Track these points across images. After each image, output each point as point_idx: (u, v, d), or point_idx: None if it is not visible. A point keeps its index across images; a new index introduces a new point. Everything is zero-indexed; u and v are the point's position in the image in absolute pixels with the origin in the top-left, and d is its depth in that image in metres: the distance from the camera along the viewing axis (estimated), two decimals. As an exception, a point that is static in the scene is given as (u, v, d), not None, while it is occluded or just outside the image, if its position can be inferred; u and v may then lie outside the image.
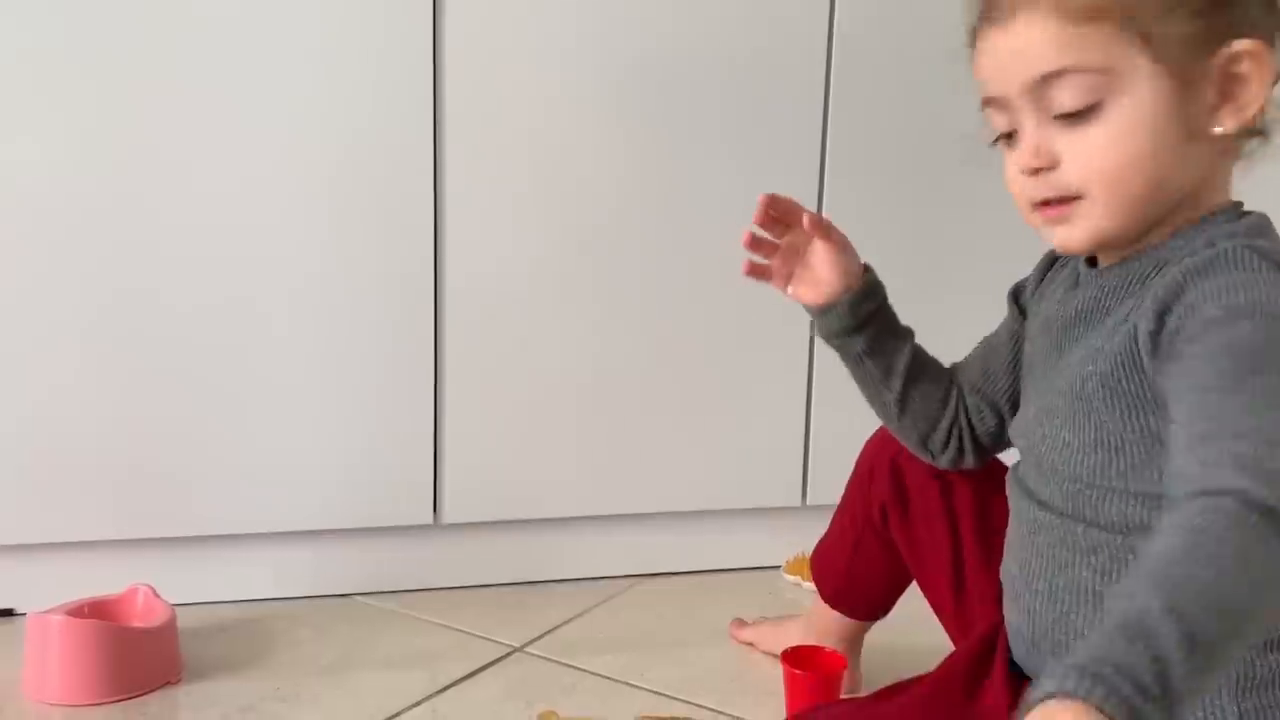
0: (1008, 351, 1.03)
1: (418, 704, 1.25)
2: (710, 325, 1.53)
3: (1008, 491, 0.95)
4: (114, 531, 1.41)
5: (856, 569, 1.21)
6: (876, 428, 1.14)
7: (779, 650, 1.27)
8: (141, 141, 1.34)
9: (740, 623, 1.40)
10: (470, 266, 1.45)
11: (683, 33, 1.46)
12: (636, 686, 1.29)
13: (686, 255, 1.51)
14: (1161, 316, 0.77)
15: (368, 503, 1.47)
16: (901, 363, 1.05)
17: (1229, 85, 0.78)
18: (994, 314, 1.06)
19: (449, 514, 1.50)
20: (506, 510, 1.53)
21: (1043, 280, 0.98)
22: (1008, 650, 0.94)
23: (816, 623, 1.28)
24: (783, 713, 1.16)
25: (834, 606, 1.25)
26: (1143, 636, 0.57)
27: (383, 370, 1.45)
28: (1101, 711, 0.54)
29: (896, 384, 1.05)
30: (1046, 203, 0.83)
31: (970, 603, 1.06)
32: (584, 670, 1.33)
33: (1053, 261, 0.98)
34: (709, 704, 1.25)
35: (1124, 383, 0.80)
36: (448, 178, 1.42)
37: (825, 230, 1.06)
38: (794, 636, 1.27)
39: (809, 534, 1.57)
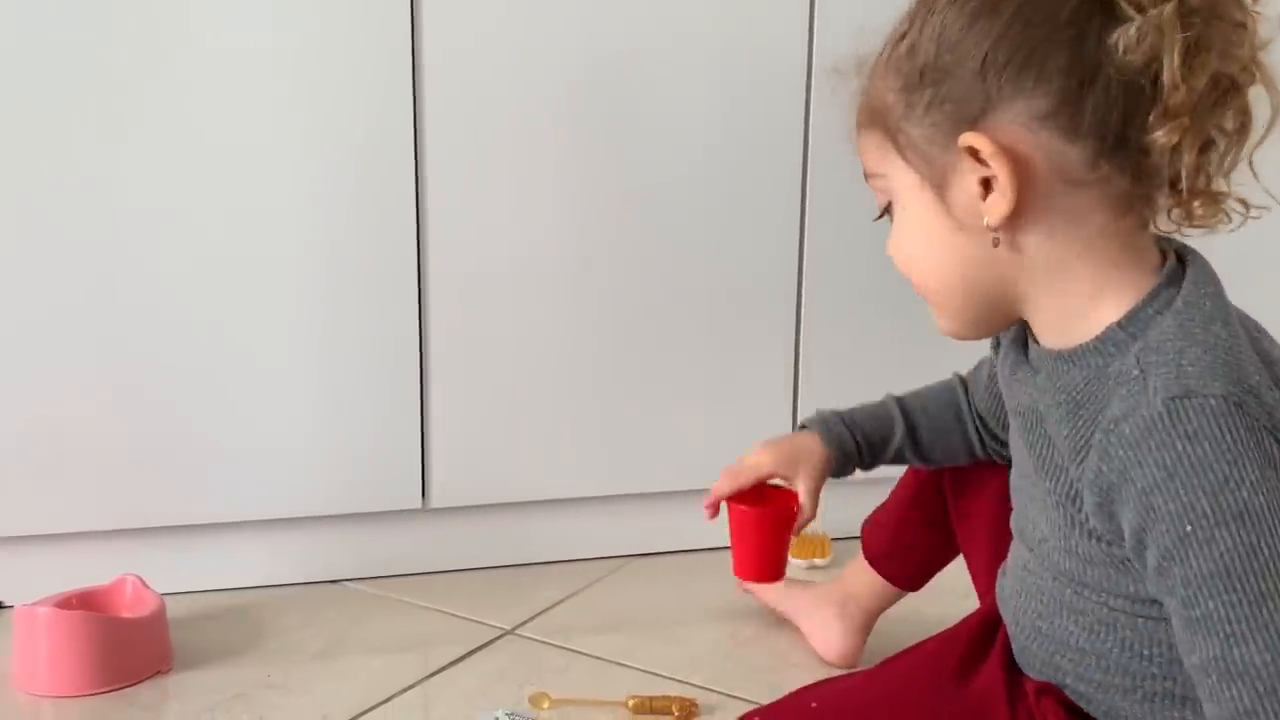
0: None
1: (409, 688, 1.25)
2: (696, 305, 1.53)
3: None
4: (101, 522, 1.40)
5: (904, 535, 1.21)
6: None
7: (779, 605, 1.32)
8: (127, 137, 1.33)
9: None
10: (454, 251, 1.44)
11: (665, 23, 1.44)
12: (628, 666, 1.29)
13: (672, 236, 1.50)
14: (1105, 497, 0.75)
15: (356, 488, 1.47)
16: (908, 452, 1.13)
17: (986, 177, 0.76)
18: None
19: (437, 498, 1.49)
20: (495, 493, 1.53)
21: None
22: (1005, 638, 0.93)
23: (849, 582, 1.28)
24: (774, 692, 1.15)
25: (874, 568, 1.25)
26: None
27: (369, 356, 1.44)
28: None
29: (916, 460, 1.14)
30: None
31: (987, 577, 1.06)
32: (575, 651, 1.33)
33: None
34: (701, 683, 1.25)
35: (1079, 520, 0.79)
36: (429, 162, 1.41)
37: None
38: (802, 600, 1.32)
39: (798, 511, 1.59)
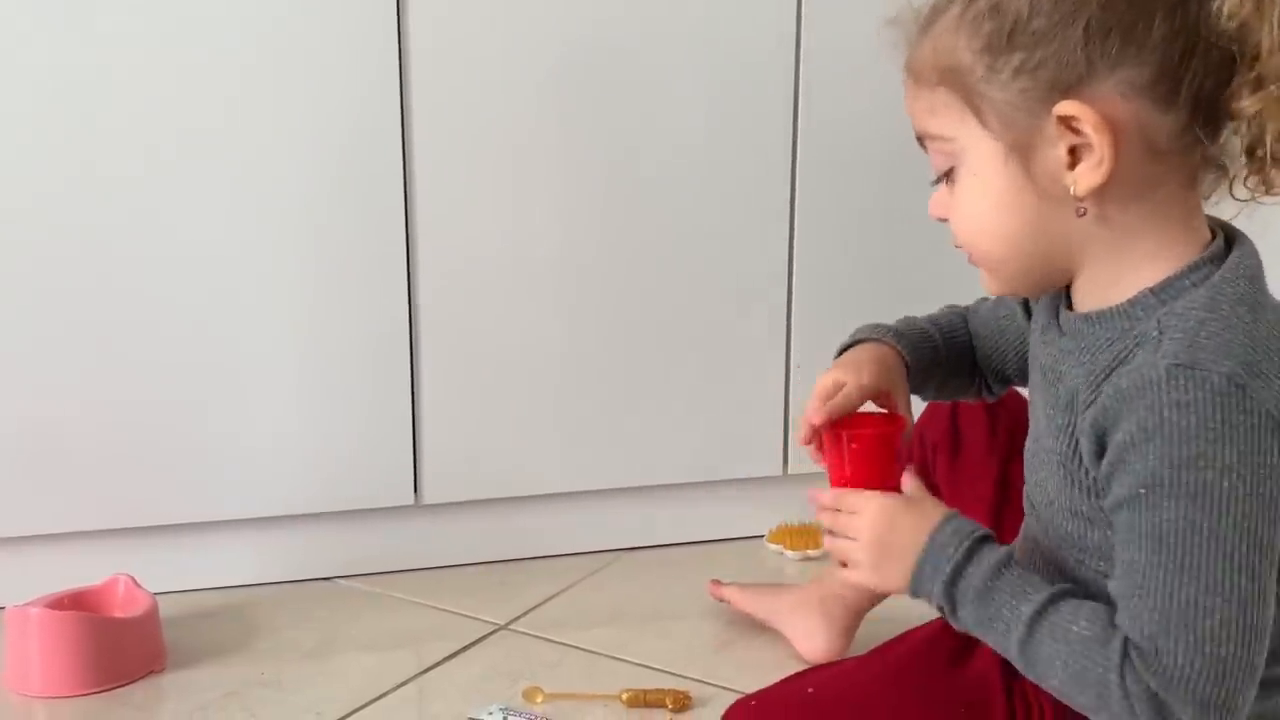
0: (1014, 339, 1.00)
1: (403, 684, 1.25)
2: (687, 298, 1.53)
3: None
4: (93, 522, 1.40)
5: None
6: None
7: (759, 612, 1.27)
8: (117, 136, 1.32)
9: (718, 582, 1.38)
10: (443, 246, 1.44)
11: (654, 14, 1.44)
12: (621, 660, 1.29)
13: (662, 229, 1.50)
14: (1100, 444, 0.77)
15: (348, 485, 1.47)
16: (936, 379, 1.03)
17: (1079, 144, 0.74)
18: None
19: (429, 494, 1.49)
20: (487, 489, 1.52)
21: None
22: None
23: (830, 582, 1.24)
24: (764, 682, 1.15)
25: None
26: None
27: (359, 353, 1.44)
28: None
29: (942, 389, 1.06)
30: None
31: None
32: (569, 646, 1.33)
33: None
34: (694, 675, 1.25)
35: (1078, 476, 0.81)
36: (417, 157, 1.41)
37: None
38: (782, 603, 1.27)
39: (791, 503, 1.59)
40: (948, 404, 1.11)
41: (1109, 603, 0.77)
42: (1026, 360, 0.96)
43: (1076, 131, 0.74)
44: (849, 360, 0.98)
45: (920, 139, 0.82)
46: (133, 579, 1.31)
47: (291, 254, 1.40)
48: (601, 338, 1.51)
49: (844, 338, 1.11)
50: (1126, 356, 0.76)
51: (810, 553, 1.55)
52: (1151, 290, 0.77)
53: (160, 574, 1.36)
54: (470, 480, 1.51)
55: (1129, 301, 0.78)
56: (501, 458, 1.51)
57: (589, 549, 1.58)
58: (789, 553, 1.56)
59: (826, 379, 0.96)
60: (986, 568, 0.78)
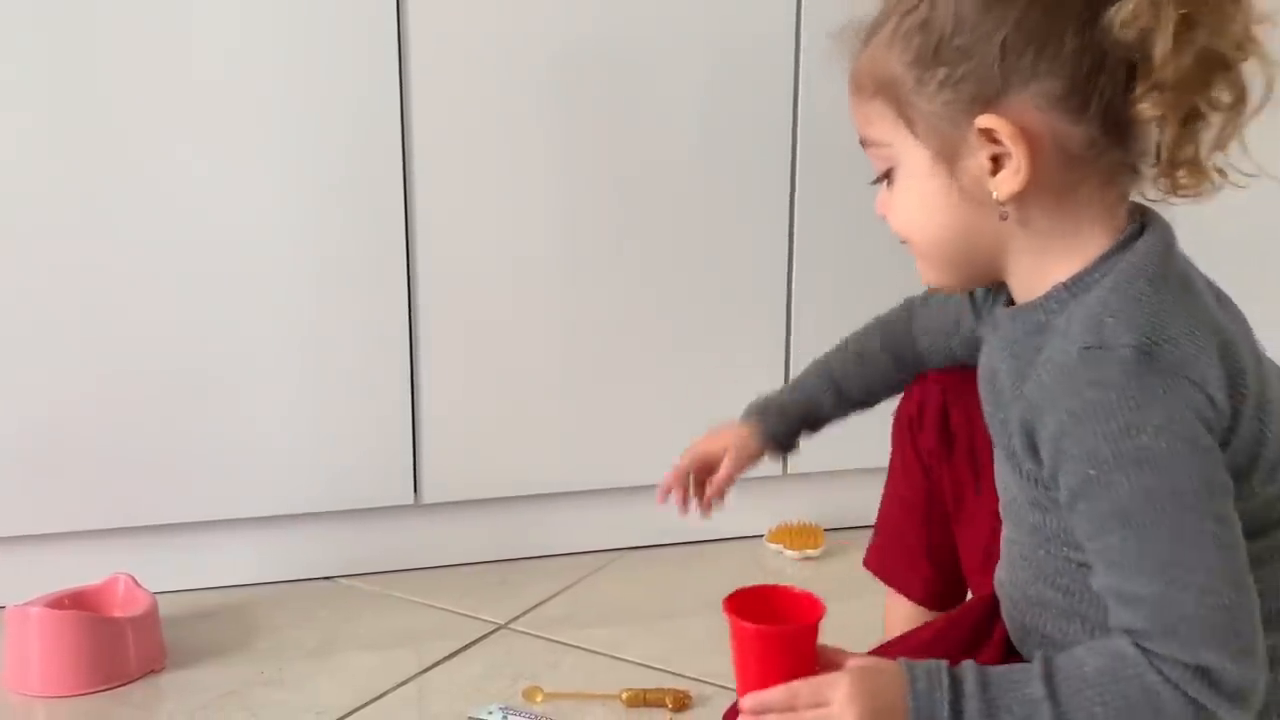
0: (956, 325, 1.03)
1: (404, 683, 1.25)
2: (686, 298, 1.53)
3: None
4: (93, 521, 1.40)
5: (940, 555, 1.11)
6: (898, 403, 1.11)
7: None
8: (118, 138, 1.33)
9: None
10: (443, 245, 1.44)
11: (654, 9, 1.44)
12: (621, 659, 1.29)
13: (662, 228, 1.50)
14: (1030, 439, 0.79)
15: (348, 485, 1.47)
16: (840, 413, 1.13)
17: (1000, 153, 0.77)
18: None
19: (430, 494, 1.49)
20: (487, 488, 1.53)
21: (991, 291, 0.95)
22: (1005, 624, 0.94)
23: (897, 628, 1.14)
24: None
25: (936, 606, 1.12)
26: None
27: (359, 353, 1.44)
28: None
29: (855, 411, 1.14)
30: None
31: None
32: (568, 645, 1.33)
33: None
34: (694, 675, 1.25)
35: (1025, 468, 0.82)
36: (417, 158, 1.41)
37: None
38: None
39: (790, 503, 1.59)
40: (938, 409, 1.09)
41: (1080, 587, 0.80)
42: (971, 344, 0.99)
43: (996, 142, 0.77)
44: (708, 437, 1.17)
45: (862, 143, 0.86)
46: (133, 579, 1.31)
47: (292, 254, 1.40)
48: (601, 337, 1.51)
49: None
50: (1043, 350, 0.80)
51: (810, 552, 1.55)
52: (1064, 285, 0.80)
53: (160, 574, 1.36)
54: (470, 480, 1.51)
55: (1044, 297, 0.81)
56: (501, 457, 1.51)
57: (589, 548, 1.58)
58: (789, 552, 1.56)
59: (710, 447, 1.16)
60: (974, 687, 0.76)
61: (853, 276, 1.53)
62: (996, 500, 1.03)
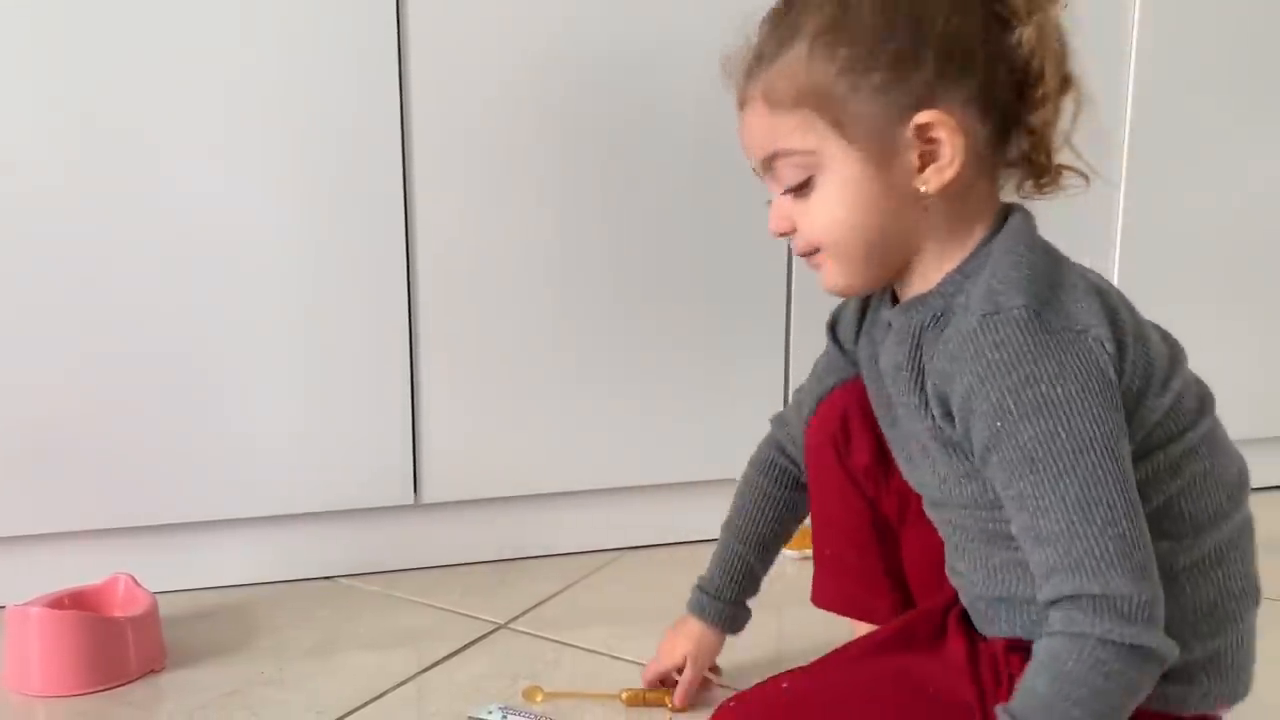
0: (830, 388, 1.09)
1: (403, 683, 1.25)
2: (687, 297, 1.53)
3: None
4: (93, 521, 1.40)
5: (898, 573, 1.12)
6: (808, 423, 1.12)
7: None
8: (111, 130, 1.33)
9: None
10: (443, 245, 1.44)
11: (655, 17, 1.45)
12: (621, 659, 1.29)
13: (662, 229, 1.50)
14: (945, 406, 0.87)
15: (348, 485, 1.47)
16: (773, 557, 1.21)
17: (927, 150, 0.85)
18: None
19: (429, 493, 1.50)
20: (487, 488, 1.53)
21: (863, 316, 1.02)
22: (962, 612, 0.97)
23: None
24: (766, 676, 1.15)
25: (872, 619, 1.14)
26: None
27: (359, 352, 1.44)
28: None
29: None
30: (803, 253, 0.93)
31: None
32: (568, 645, 1.33)
33: (868, 297, 1.02)
34: (694, 674, 1.25)
35: (952, 441, 0.89)
36: (416, 158, 1.41)
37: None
38: None
39: (790, 502, 1.59)
40: (855, 432, 1.09)
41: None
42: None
43: (928, 139, 0.85)
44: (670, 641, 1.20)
45: (767, 160, 0.91)
46: (133, 578, 1.31)
47: (292, 254, 1.40)
48: (601, 338, 1.51)
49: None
50: (946, 326, 0.87)
51: (810, 552, 1.55)
52: (956, 270, 0.89)
53: (160, 574, 1.36)
54: (470, 480, 1.51)
55: (939, 285, 0.90)
56: (501, 458, 1.51)
57: (588, 548, 1.58)
58: (789, 552, 1.56)
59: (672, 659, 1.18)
60: None
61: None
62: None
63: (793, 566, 1.54)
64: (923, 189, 0.86)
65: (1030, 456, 0.80)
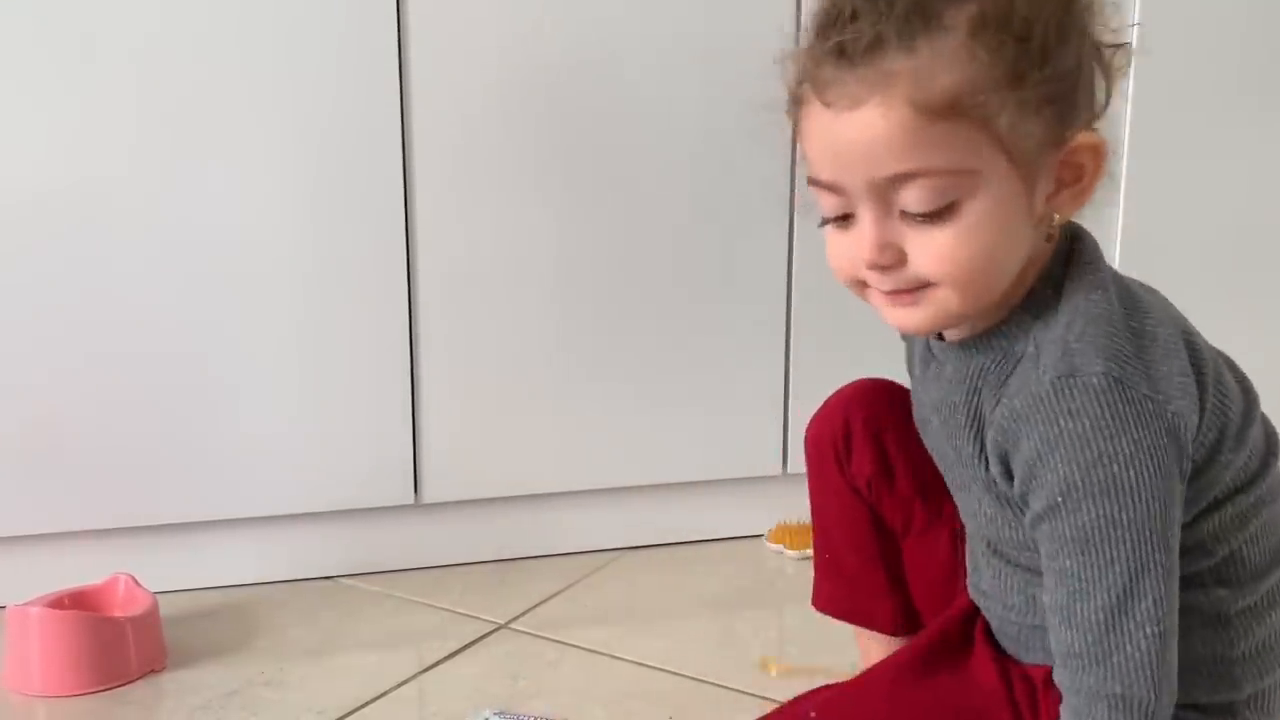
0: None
1: (404, 683, 1.25)
2: (686, 297, 1.53)
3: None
4: (93, 521, 1.40)
5: (902, 581, 1.07)
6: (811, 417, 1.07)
7: None
8: (117, 138, 1.32)
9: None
10: (443, 246, 1.44)
11: (655, 17, 1.44)
12: (621, 659, 1.29)
13: (661, 227, 1.50)
14: (1005, 464, 0.80)
15: (348, 485, 1.47)
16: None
17: (1067, 173, 0.77)
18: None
19: (430, 493, 1.49)
20: (487, 488, 1.53)
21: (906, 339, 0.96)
22: (985, 625, 0.94)
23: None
24: (766, 683, 1.15)
25: (907, 632, 1.08)
26: None
27: (359, 352, 1.44)
28: None
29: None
30: (891, 292, 0.80)
31: (963, 568, 1.01)
32: (569, 644, 1.33)
33: None
34: (694, 674, 1.25)
35: (1005, 495, 0.83)
36: (417, 157, 1.41)
37: None
38: None
39: (791, 502, 1.59)
40: (869, 437, 1.03)
41: None
42: None
43: (1074, 162, 0.77)
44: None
45: (894, 179, 0.75)
46: (133, 578, 1.31)
47: (292, 254, 1.40)
48: (601, 338, 1.51)
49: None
50: (1010, 377, 0.80)
51: (809, 552, 1.55)
52: (1024, 308, 0.80)
53: (160, 574, 1.36)
54: (470, 480, 1.51)
55: (1006, 323, 0.81)
56: (501, 457, 1.51)
57: (589, 548, 1.58)
58: (789, 552, 1.56)
59: None
60: None
61: (853, 276, 1.53)
62: (951, 526, 1.01)
63: (792, 566, 1.54)
64: (1056, 216, 0.78)
65: (1085, 537, 0.75)
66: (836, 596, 1.10)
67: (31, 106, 1.30)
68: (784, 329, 1.56)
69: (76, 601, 1.27)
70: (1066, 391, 0.75)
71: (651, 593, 1.47)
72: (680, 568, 1.54)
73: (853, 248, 0.80)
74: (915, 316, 0.80)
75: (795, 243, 1.53)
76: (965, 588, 0.99)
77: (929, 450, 0.94)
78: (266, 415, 1.42)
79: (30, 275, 1.34)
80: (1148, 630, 0.75)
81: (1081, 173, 0.77)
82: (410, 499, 1.49)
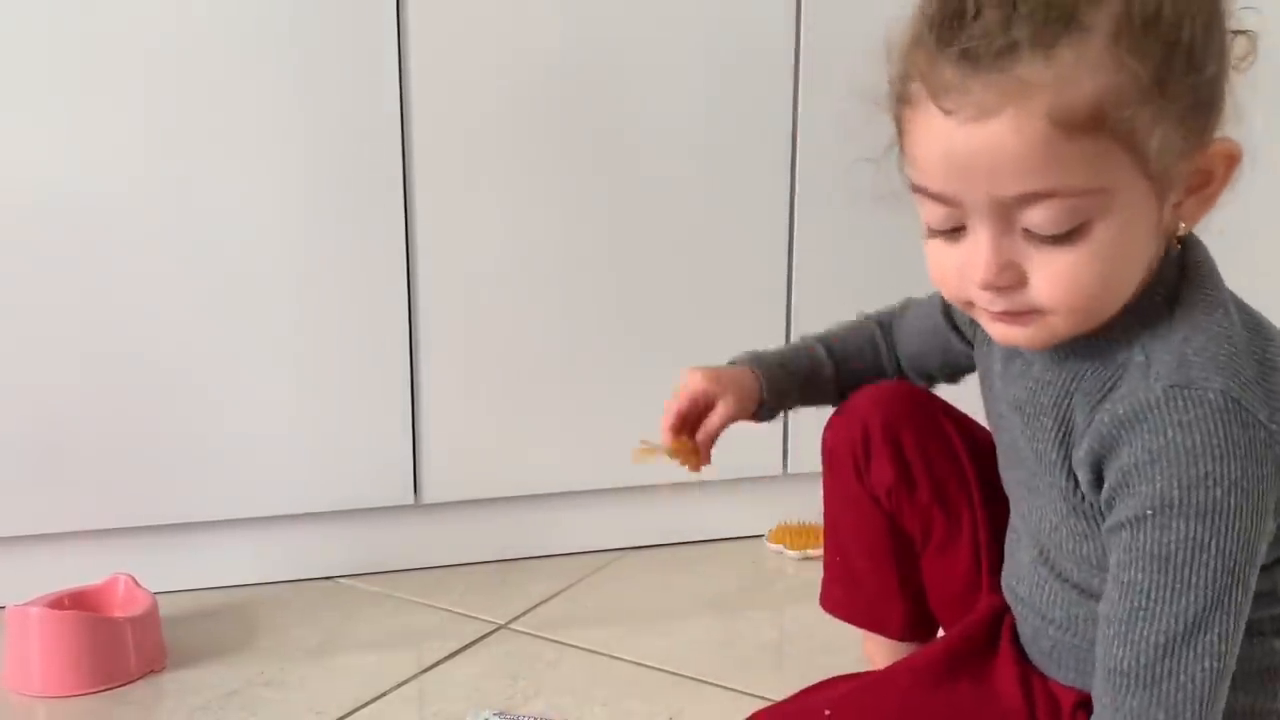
0: (939, 348, 1.00)
1: (404, 683, 1.25)
2: (686, 298, 1.53)
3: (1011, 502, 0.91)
4: (93, 521, 1.40)
5: (913, 587, 1.05)
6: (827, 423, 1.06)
7: None
8: (112, 133, 1.32)
9: None
10: (443, 246, 1.44)
11: (653, 14, 1.44)
12: (621, 659, 1.29)
13: (661, 230, 1.50)
14: (1097, 471, 0.76)
15: (348, 485, 1.47)
16: (834, 389, 1.05)
17: (1197, 180, 0.72)
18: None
19: (429, 493, 1.49)
20: (487, 488, 1.53)
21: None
22: (1013, 630, 0.91)
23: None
24: (767, 684, 1.15)
25: (915, 639, 1.07)
26: None
27: (359, 352, 1.44)
28: None
29: (838, 398, 1.05)
30: (1002, 312, 0.75)
31: (984, 576, 1.00)
32: (568, 645, 1.33)
33: None
34: (694, 674, 1.25)
35: (1081, 508, 0.80)
36: (417, 158, 1.41)
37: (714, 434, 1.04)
38: None
39: (791, 502, 1.59)
40: (888, 443, 1.00)
41: None
42: (950, 363, 0.99)
43: (1204, 169, 0.71)
44: (698, 369, 1.02)
45: (1024, 198, 0.68)
46: (133, 578, 1.31)
47: (291, 254, 1.40)
48: (601, 337, 1.51)
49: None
50: (1115, 384, 0.75)
51: (810, 552, 1.55)
52: (1132, 314, 0.75)
53: (160, 574, 1.36)
54: (470, 480, 1.51)
55: (1107, 328, 0.76)
56: (501, 457, 1.51)
57: (589, 548, 1.58)
58: (790, 552, 1.56)
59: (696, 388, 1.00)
60: None
61: (853, 276, 1.53)
62: (971, 537, 1.00)
63: (793, 566, 1.54)
64: (1182, 226, 0.73)
65: (1166, 555, 0.71)
66: (846, 600, 1.08)
67: (34, 110, 1.30)
68: (784, 329, 1.56)
69: (76, 602, 1.27)
70: (1180, 402, 0.71)
71: (651, 593, 1.47)
72: (680, 568, 1.54)
73: (964, 265, 0.73)
74: (1020, 336, 0.75)
75: (795, 243, 1.53)
76: (990, 586, 0.97)
77: (1002, 446, 0.89)
78: (266, 415, 1.42)
79: (30, 276, 1.33)
80: (1206, 664, 0.71)
81: (1210, 179, 0.72)
82: (410, 499, 1.49)
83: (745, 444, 1.57)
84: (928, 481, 1.00)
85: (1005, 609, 0.93)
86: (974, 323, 0.84)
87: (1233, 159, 0.71)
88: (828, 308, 1.53)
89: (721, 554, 1.58)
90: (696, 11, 1.46)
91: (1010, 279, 0.72)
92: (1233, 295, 0.77)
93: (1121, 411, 0.73)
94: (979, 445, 0.99)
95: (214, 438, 1.41)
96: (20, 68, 1.29)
